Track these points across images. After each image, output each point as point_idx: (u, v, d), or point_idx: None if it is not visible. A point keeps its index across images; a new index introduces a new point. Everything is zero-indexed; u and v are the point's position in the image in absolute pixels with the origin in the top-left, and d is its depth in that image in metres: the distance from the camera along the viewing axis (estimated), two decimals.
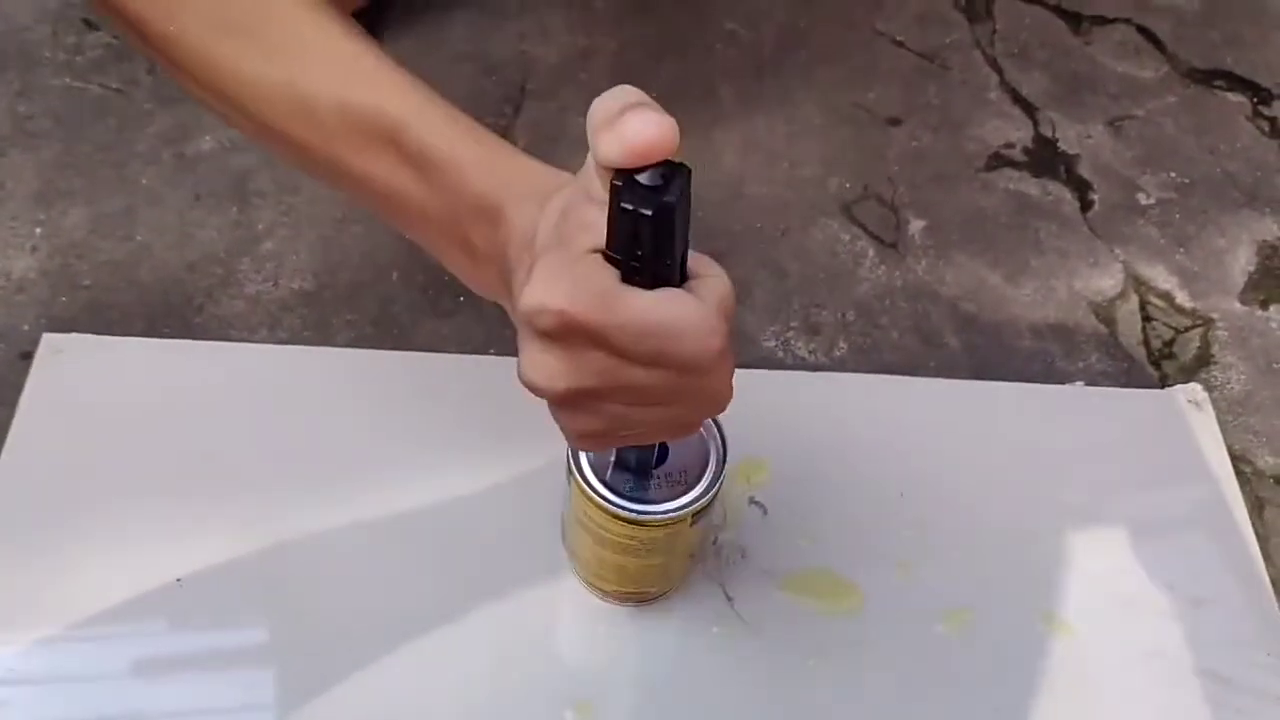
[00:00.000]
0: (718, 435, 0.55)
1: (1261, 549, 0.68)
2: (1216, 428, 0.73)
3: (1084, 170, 0.89)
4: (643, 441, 0.50)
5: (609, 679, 0.60)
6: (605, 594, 0.61)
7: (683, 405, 0.43)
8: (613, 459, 0.53)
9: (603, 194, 0.39)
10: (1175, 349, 0.79)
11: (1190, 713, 0.62)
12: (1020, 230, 0.84)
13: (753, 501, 0.67)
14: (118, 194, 0.77)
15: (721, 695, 0.60)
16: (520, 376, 0.41)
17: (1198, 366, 0.78)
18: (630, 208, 0.37)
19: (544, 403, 0.43)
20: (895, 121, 0.90)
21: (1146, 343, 0.79)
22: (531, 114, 0.86)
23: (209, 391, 0.67)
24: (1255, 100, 0.95)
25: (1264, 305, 0.82)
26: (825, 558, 0.65)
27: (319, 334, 0.72)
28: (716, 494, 0.54)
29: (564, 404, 0.42)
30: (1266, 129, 0.93)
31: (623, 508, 0.52)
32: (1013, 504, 0.68)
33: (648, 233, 0.38)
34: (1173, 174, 0.89)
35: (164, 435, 0.65)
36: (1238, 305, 0.82)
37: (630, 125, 0.37)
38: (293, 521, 0.63)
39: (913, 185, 0.85)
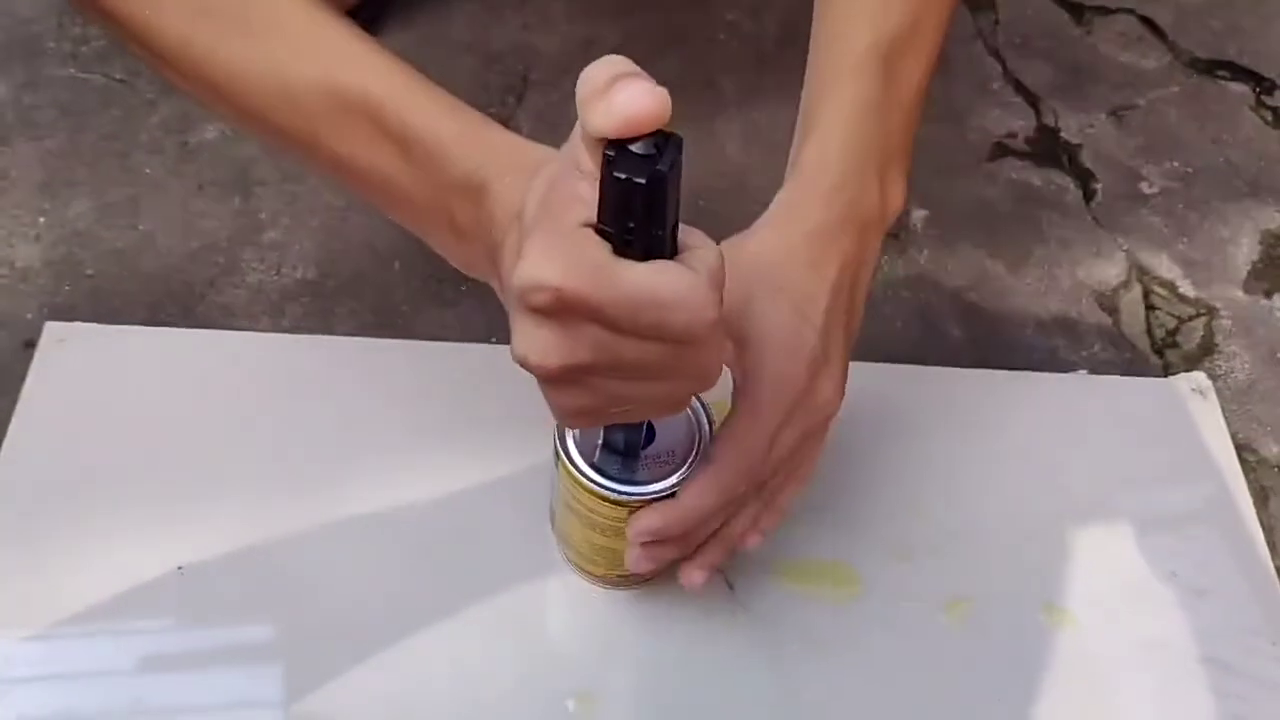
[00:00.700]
0: (704, 416, 0.55)
1: (1266, 538, 0.68)
2: (1220, 416, 0.73)
3: (1087, 160, 0.89)
4: (633, 419, 0.49)
5: (611, 668, 0.60)
6: (595, 578, 0.61)
7: (674, 379, 0.42)
8: (600, 441, 0.53)
9: (591, 166, 0.39)
10: (1179, 338, 0.79)
11: (1194, 702, 0.62)
12: (1023, 220, 0.84)
13: None
14: (121, 183, 0.78)
15: (723, 683, 0.60)
16: (513, 354, 0.41)
17: (1201, 355, 0.78)
18: (623, 177, 0.36)
19: (536, 381, 0.43)
20: None
21: (1150, 332, 0.79)
22: (534, 104, 0.86)
23: (211, 380, 0.67)
24: (1258, 90, 0.95)
25: (1268, 294, 0.82)
26: (827, 546, 0.65)
27: (321, 323, 0.72)
28: None
29: (557, 380, 0.41)
30: (1269, 119, 0.93)
31: (610, 489, 0.52)
32: (1015, 493, 0.68)
33: (640, 203, 0.37)
34: (1175, 163, 0.89)
35: (166, 424, 0.65)
36: (1241, 294, 0.82)
37: (621, 95, 0.36)
38: (294, 510, 0.63)
39: (915, 175, 0.84)
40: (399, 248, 0.76)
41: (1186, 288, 0.81)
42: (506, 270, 0.42)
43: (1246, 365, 0.78)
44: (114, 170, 0.78)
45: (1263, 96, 0.95)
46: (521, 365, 0.41)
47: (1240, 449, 0.72)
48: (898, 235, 0.82)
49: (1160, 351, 0.78)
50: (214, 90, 0.49)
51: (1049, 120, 0.91)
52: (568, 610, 0.62)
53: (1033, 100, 0.92)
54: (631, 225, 0.38)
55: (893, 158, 0.56)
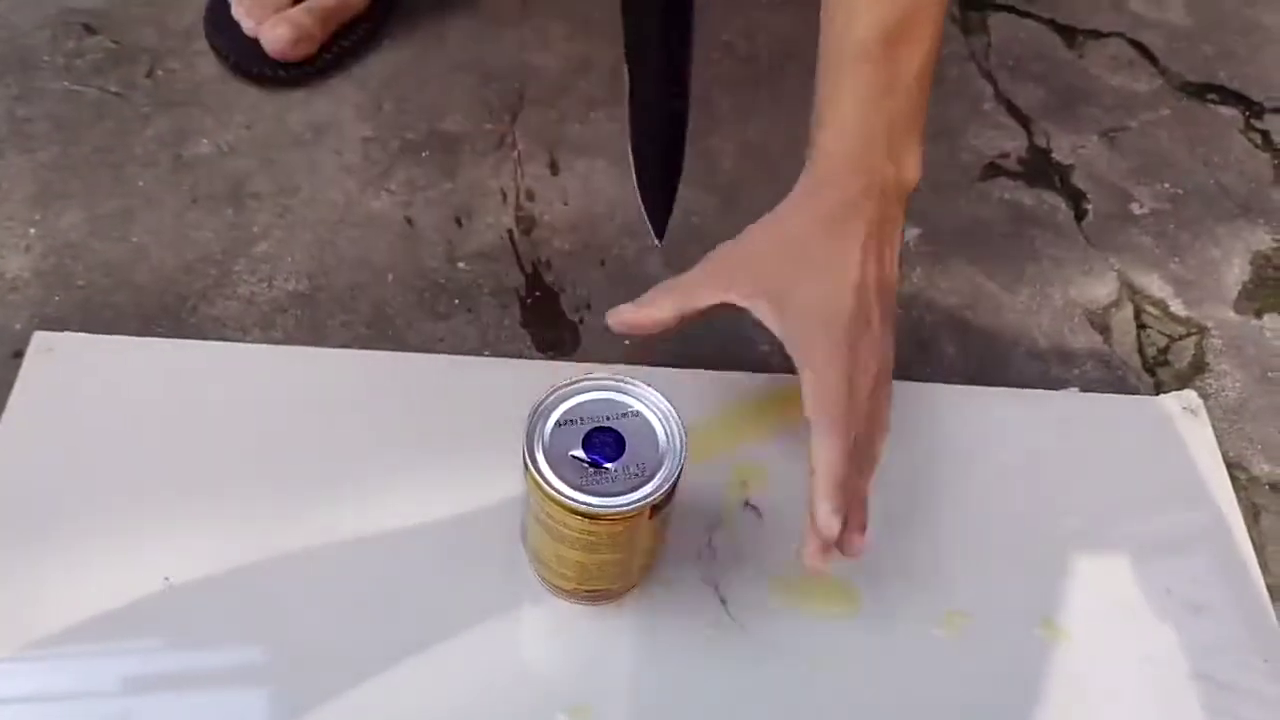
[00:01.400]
0: (677, 428, 0.55)
1: (1258, 556, 0.68)
2: (1211, 434, 0.73)
3: (1078, 180, 0.89)
4: None
5: (603, 683, 0.60)
6: (564, 592, 0.61)
7: None
8: (572, 454, 0.53)
9: None
10: (1170, 357, 0.79)
11: (1187, 717, 0.61)
12: (1015, 239, 0.84)
13: (748, 505, 0.67)
14: (114, 196, 0.77)
15: (716, 698, 0.60)
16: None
17: (1192, 374, 0.78)
18: None
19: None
20: None
21: (1141, 350, 0.79)
22: (530, 121, 0.86)
23: (201, 391, 0.67)
24: (1248, 113, 0.96)
25: (1258, 314, 0.82)
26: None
27: (313, 335, 0.72)
28: (674, 487, 0.54)
29: None
30: (1259, 141, 0.94)
31: (579, 501, 0.52)
32: (1009, 509, 0.68)
33: None
34: (1166, 185, 0.89)
35: (155, 434, 0.65)
36: (1232, 314, 0.82)
37: None
38: (282, 521, 0.63)
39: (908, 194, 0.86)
40: (392, 261, 0.76)
41: (1178, 307, 0.82)
42: None
43: (1237, 384, 0.78)
44: (107, 182, 0.78)
45: (1252, 120, 0.96)
46: None
47: (1231, 467, 0.72)
48: None
49: (1151, 370, 0.78)
50: None
51: (1041, 141, 0.91)
52: (561, 626, 0.61)
53: (1024, 121, 0.93)
54: None
55: (904, 132, 0.62)
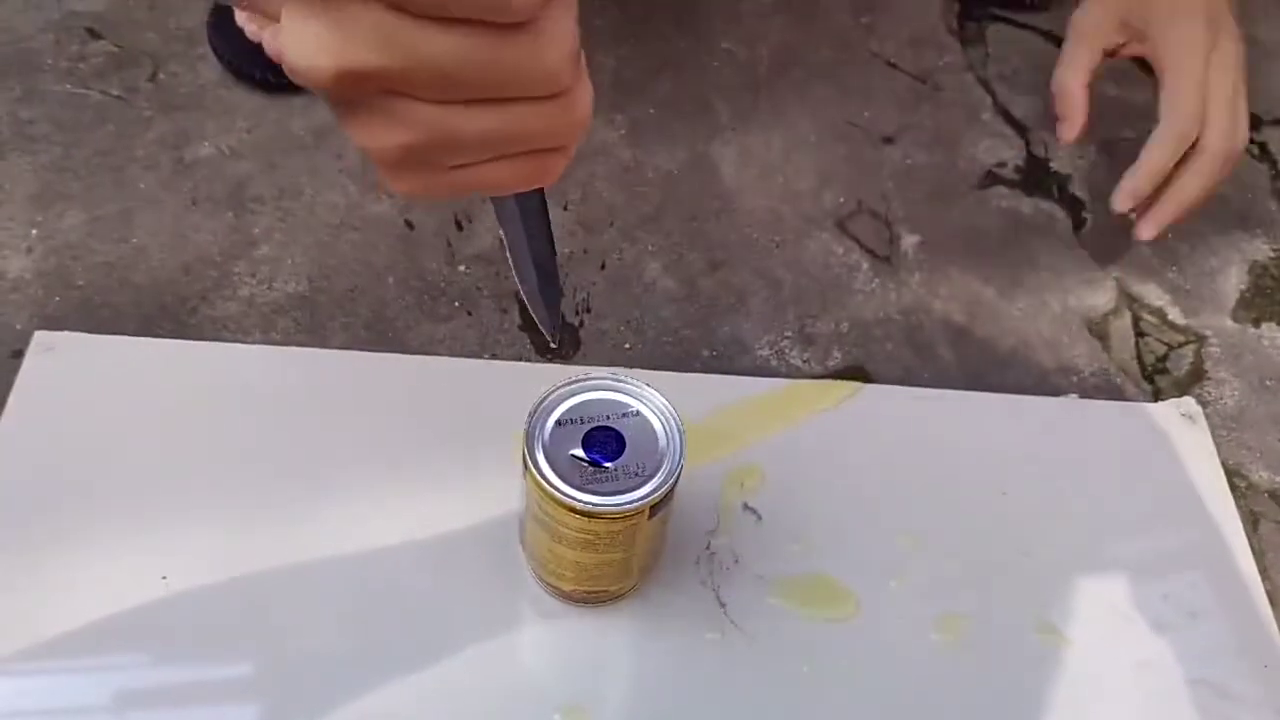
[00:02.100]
0: (676, 428, 0.55)
1: (1258, 563, 0.68)
2: (1210, 441, 0.73)
3: (1076, 189, 0.89)
4: (487, 186, 0.36)
5: (599, 685, 0.60)
6: (562, 593, 0.61)
7: (517, 105, 0.32)
8: (572, 453, 0.53)
9: None
10: (1168, 365, 0.79)
11: None
12: (1013, 247, 0.84)
13: (746, 507, 0.67)
14: (115, 197, 0.78)
15: (714, 701, 0.60)
16: (286, 61, 0.31)
17: (1191, 382, 0.78)
18: None
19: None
20: (889, 140, 0.91)
21: (1140, 358, 0.79)
22: None
23: (201, 391, 0.67)
24: None
25: (1256, 323, 0.82)
26: (819, 564, 0.65)
27: (313, 337, 0.72)
28: (674, 487, 0.54)
29: (346, 99, 0.32)
30: (1257, 153, 0.94)
31: (579, 500, 0.52)
32: (1007, 514, 0.68)
33: None
34: None
35: (155, 434, 0.65)
36: (1230, 323, 0.82)
37: None
38: (282, 522, 0.63)
39: (906, 201, 0.86)
40: (392, 264, 0.76)
41: (1176, 315, 0.82)
42: None
43: (1236, 392, 0.78)
44: (108, 184, 0.78)
45: (1250, 132, 0.96)
46: (294, 76, 0.31)
47: (1230, 475, 0.72)
48: (889, 259, 0.82)
49: (1150, 378, 0.78)
50: None
51: (1039, 151, 0.92)
52: (557, 628, 0.61)
53: (1022, 131, 0.93)
54: None
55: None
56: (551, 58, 0.31)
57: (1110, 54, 0.80)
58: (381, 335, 0.73)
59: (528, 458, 0.53)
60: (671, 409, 0.55)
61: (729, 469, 0.68)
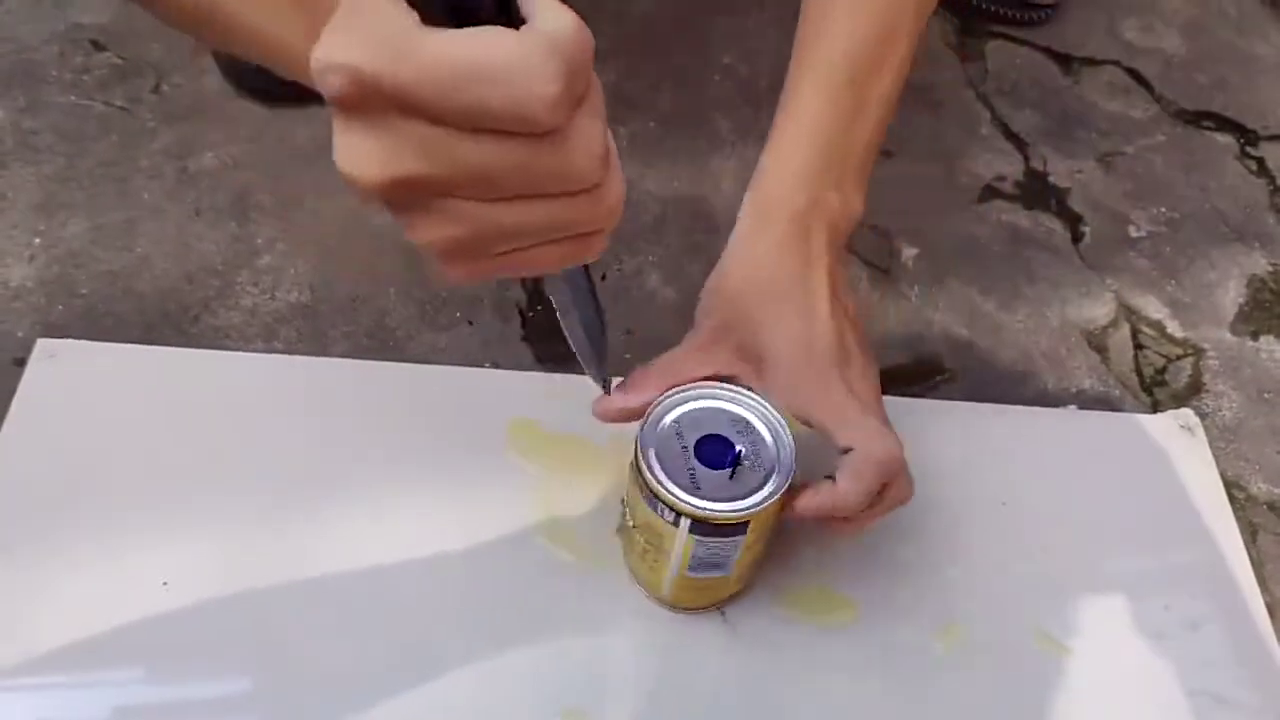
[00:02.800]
0: (783, 431, 0.56)
1: (1256, 574, 0.68)
2: (1209, 452, 0.73)
3: (1075, 204, 0.90)
4: (533, 267, 0.39)
5: (601, 689, 0.59)
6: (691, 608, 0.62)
7: (552, 200, 0.35)
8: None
9: None
10: (1167, 377, 0.79)
11: None
12: (1012, 260, 0.85)
13: None
14: (118, 207, 0.78)
15: (714, 706, 0.59)
16: (339, 172, 0.34)
17: (1189, 394, 0.78)
18: None
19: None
20: (888, 154, 0.91)
21: (1138, 370, 0.79)
22: None
23: (203, 399, 0.67)
24: (1242, 141, 0.97)
25: (1254, 336, 0.82)
26: (819, 574, 0.65)
27: (315, 346, 0.72)
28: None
29: (396, 203, 0.35)
30: (1254, 168, 0.95)
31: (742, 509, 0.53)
32: (1007, 524, 0.68)
33: None
34: (1163, 209, 0.90)
35: (157, 441, 0.65)
36: (1228, 335, 0.82)
37: None
38: (283, 530, 0.62)
39: (905, 215, 0.86)
40: (394, 274, 0.76)
41: (1174, 328, 0.82)
42: None
43: (1234, 404, 0.78)
44: (111, 194, 0.79)
45: (1247, 147, 0.97)
46: (347, 183, 0.34)
47: (1229, 487, 0.72)
48: (888, 271, 0.82)
49: (1149, 390, 0.78)
50: None
51: (1038, 165, 0.92)
52: (559, 630, 0.61)
53: (1021, 145, 0.94)
54: None
55: (853, 167, 0.59)
56: (580, 160, 0.34)
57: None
58: (383, 344, 0.73)
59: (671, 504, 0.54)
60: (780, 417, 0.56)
61: None
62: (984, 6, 1.03)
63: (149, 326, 0.72)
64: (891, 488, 0.55)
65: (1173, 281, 0.85)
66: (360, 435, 0.67)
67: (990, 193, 0.90)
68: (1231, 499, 0.71)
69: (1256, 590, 0.67)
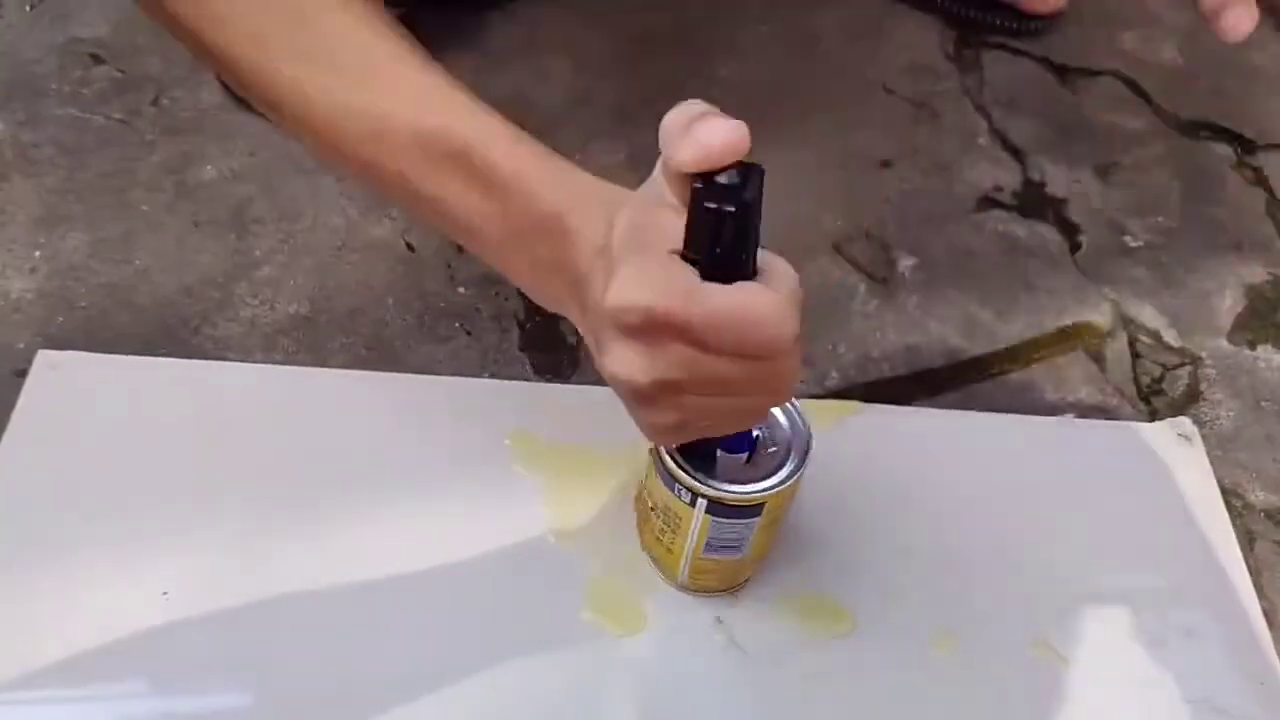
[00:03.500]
0: (798, 418, 0.58)
1: (1254, 582, 0.68)
2: (1206, 461, 0.73)
3: (1072, 214, 0.90)
4: (714, 432, 0.51)
5: (601, 700, 0.59)
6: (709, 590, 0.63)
7: (755, 394, 0.46)
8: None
9: (673, 199, 0.43)
10: (1164, 385, 0.79)
11: None
12: (1009, 269, 0.85)
13: None
14: (118, 220, 0.78)
15: (713, 716, 0.60)
16: (604, 372, 0.44)
17: (1187, 403, 0.79)
18: (713, 206, 0.40)
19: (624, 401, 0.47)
20: (886, 164, 0.91)
21: (1136, 379, 0.79)
22: None
23: (202, 410, 0.67)
24: (1240, 150, 0.97)
25: (1252, 345, 0.83)
26: (817, 583, 0.65)
27: (314, 357, 0.72)
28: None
29: (646, 398, 0.44)
30: (1252, 178, 0.95)
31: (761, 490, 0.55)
32: (1004, 533, 0.68)
33: (729, 229, 0.41)
34: (1160, 218, 0.90)
35: (157, 452, 0.65)
36: (1225, 344, 0.82)
37: (702, 130, 0.40)
38: (282, 540, 0.63)
39: (903, 225, 0.87)
40: (393, 285, 0.77)
41: (1171, 337, 0.82)
42: (594, 299, 0.44)
43: (1231, 413, 0.78)
44: (111, 207, 0.79)
45: (1245, 157, 0.97)
46: (613, 383, 0.45)
47: (1226, 495, 0.72)
48: (886, 281, 0.82)
49: (1146, 399, 0.79)
50: (307, 128, 0.51)
51: (1035, 175, 0.92)
52: (559, 642, 0.61)
53: (1019, 156, 0.94)
54: (718, 250, 0.41)
55: None
56: (790, 369, 0.45)
57: None
58: (382, 356, 0.73)
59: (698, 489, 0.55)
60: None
61: None
62: (982, 18, 1.03)
63: (149, 338, 0.72)
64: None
65: (1170, 291, 0.85)
66: (358, 446, 0.67)
67: (988, 203, 0.90)
68: (1229, 507, 0.71)
69: (1254, 598, 0.67)
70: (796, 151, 0.91)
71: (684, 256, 0.42)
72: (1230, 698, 0.63)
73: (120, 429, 0.66)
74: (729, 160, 0.40)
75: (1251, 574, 0.68)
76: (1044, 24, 1.04)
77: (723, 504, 0.55)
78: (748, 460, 0.56)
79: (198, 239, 0.78)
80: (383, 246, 0.79)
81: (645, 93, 0.93)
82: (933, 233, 0.86)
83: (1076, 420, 0.75)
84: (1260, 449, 0.76)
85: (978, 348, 0.80)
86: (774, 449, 0.56)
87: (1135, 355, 0.81)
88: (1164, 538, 0.70)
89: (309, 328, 0.74)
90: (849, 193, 0.88)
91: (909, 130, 0.94)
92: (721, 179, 0.40)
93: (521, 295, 0.77)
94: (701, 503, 0.55)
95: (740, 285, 0.42)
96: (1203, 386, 0.80)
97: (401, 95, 0.49)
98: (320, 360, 0.72)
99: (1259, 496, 0.74)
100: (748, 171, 0.41)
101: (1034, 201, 0.90)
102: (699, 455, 0.55)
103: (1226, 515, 0.71)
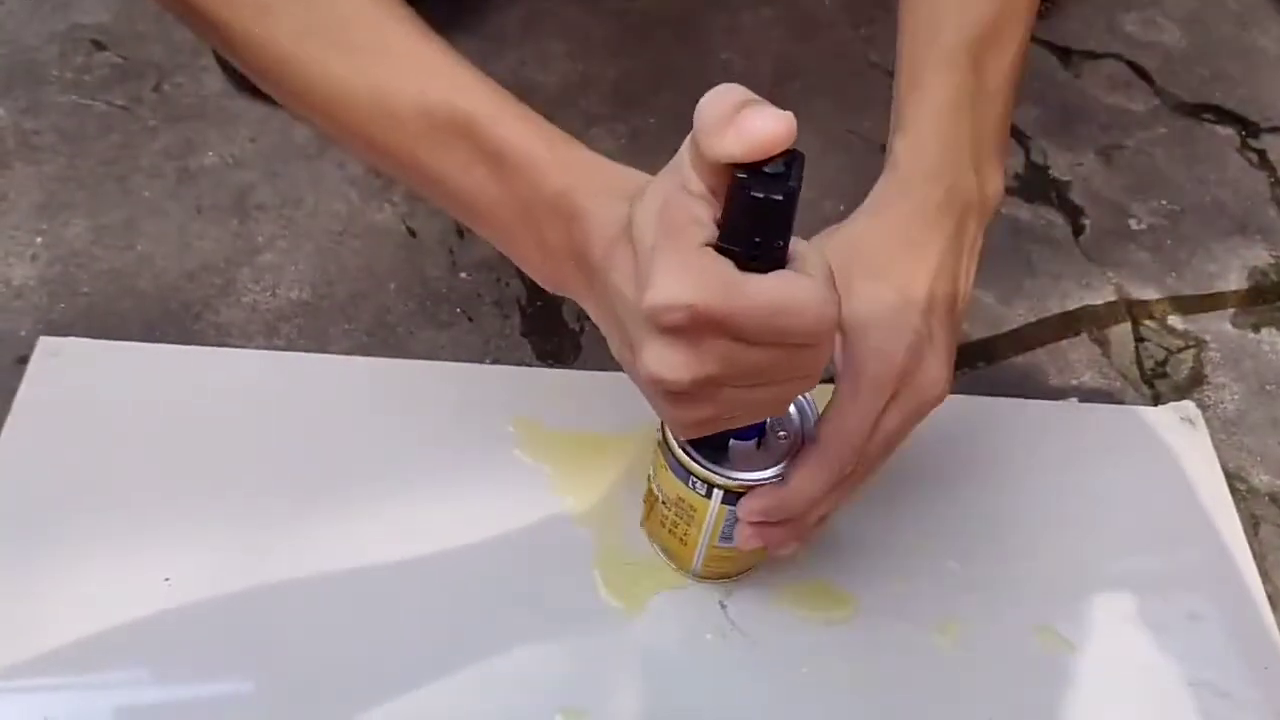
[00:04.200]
0: (807, 405, 0.57)
1: (1258, 566, 0.68)
2: (1210, 444, 0.73)
3: (1075, 196, 0.90)
4: (744, 422, 0.50)
5: (601, 686, 0.60)
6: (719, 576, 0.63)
7: (789, 381, 0.45)
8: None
9: (701, 188, 0.41)
10: (1168, 369, 0.79)
11: None
12: (1013, 253, 0.85)
13: None
14: (119, 206, 0.78)
15: (714, 702, 0.60)
16: (643, 372, 0.43)
17: (1190, 387, 0.78)
18: (761, 196, 0.39)
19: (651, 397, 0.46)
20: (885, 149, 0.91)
21: (1139, 363, 0.79)
22: None
23: (205, 396, 0.67)
24: (1244, 133, 0.97)
25: (1255, 328, 0.82)
26: (820, 568, 0.65)
27: (316, 343, 0.72)
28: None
29: (685, 396, 0.43)
30: (1255, 160, 0.95)
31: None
32: (1007, 517, 0.68)
33: (773, 218, 0.40)
34: (1163, 201, 0.90)
35: (159, 439, 0.65)
36: (1229, 328, 0.82)
37: (754, 121, 0.39)
38: (285, 526, 0.63)
39: None
40: (395, 271, 0.77)
41: (1175, 320, 0.82)
42: (618, 291, 0.43)
43: (1235, 396, 0.78)
44: (112, 193, 0.79)
45: (1248, 139, 0.96)
46: (651, 384, 0.43)
47: (1230, 479, 0.72)
48: None
49: (1150, 382, 0.78)
50: (316, 107, 0.50)
51: (1038, 158, 0.92)
52: (559, 627, 0.61)
53: (1022, 139, 0.93)
54: (758, 240, 0.41)
55: (987, 146, 0.58)
56: (823, 356, 0.44)
57: None
58: (384, 341, 0.73)
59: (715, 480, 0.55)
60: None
61: None
62: None
63: (151, 324, 0.72)
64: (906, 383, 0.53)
65: (1174, 274, 0.85)
66: (361, 432, 0.67)
67: None
68: (1233, 490, 0.71)
69: (1258, 582, 0.67)
70: (798, 136, 0.90)
71: (718, 248, 0.41)
72: (1234, 681, 0.63)
73: (122, 415, 0.66)
74: (777, 151, 0.39)
75: (1256, 558, 0.68)
76: (1046, 6, 1.03)
77: (738, 492, 0.55)
78: (758, 446, 0.55)
79: (199, 225, 0.78)
80: (384, 232, 0.79)
81: (646, 76, 0.92)
82: None
83: (1080, 404, 0.75)
84: (1264, 432, 0.76)
85: (981, 332, 0.79)
86: (782, 434, 0.56)
87: (1139, 339, 0.81)
88: (1168, 522, 0.70)
89: (311, 314, 0.74)
90: (851, 176, 0.88)
91: None
92: (768, 168, 0.39)
93: (523, 280, 0.77)
94: (717, 493, 0.55)
95: (778, 274, 0.41)
96: (1207, 370, 0.79)
97: (407, 70, 0.48)
98: (322, 346, 0.72)
99: (1263, 480, 0.74)
100: (792, 159, 0.40)
101: (1037, 185, 0.90)
102: (710, 445, 0.54)
103: (1230, 499, 0.70)
